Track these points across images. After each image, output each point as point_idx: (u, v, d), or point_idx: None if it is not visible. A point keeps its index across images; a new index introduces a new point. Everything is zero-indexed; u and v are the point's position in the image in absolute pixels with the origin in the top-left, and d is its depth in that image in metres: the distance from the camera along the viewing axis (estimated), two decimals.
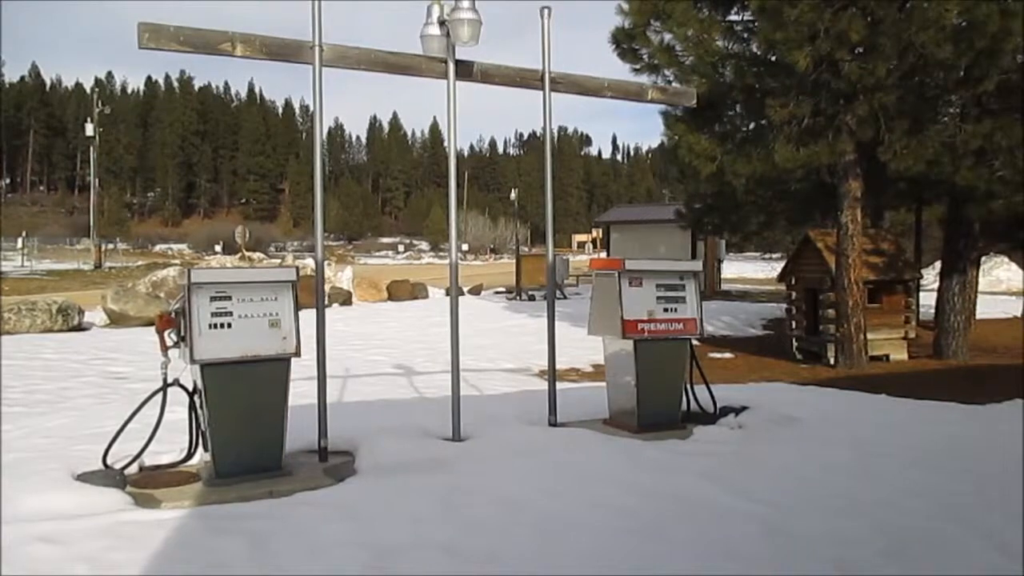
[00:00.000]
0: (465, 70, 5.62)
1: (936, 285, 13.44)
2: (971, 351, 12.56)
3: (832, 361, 11.94)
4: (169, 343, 4.53)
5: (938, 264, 15.71)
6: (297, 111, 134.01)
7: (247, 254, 39.73)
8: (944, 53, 9.82)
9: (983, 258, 15.95)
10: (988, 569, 3.32)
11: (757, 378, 10.34)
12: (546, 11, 5.84)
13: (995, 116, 10.48)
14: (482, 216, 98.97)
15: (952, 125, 10.85)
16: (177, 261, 53.77)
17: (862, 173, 11.55)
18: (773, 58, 11.32)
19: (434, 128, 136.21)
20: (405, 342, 14.02)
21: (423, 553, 3.38)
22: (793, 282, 13.52)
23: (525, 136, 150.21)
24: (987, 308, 17.59)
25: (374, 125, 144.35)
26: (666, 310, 5.91)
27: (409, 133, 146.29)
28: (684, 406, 6.09)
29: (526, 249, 59.26)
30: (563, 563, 3.31)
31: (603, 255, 30.91)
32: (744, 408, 6.23)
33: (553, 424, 5.80)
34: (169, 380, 4.57)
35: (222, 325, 4.45)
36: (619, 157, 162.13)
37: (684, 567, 3.28)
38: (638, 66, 12.54)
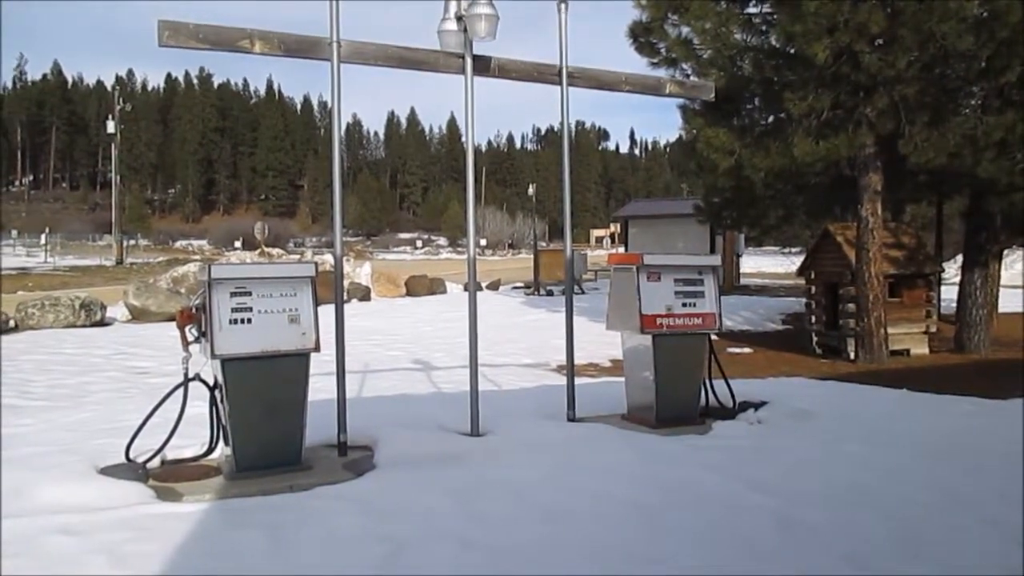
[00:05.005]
0: (482, 65, 5.61)
1: (957, 279, 13.33)
2: (993, 345, 12.45)
3: (852, 356, 11.88)
4: (190, 338, 4.56)
5: (959, 258, 15.57)
6: (315, 108, 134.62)
7: (266, 250, 39.95)
8: (965, 44, 9.73)
9: (1005, 251, 15.77)
10: (1003, 564, 3.30)
11: (776, 373, 10.30)
12: (563, 6, 5.82)
13: (1017, 107, 10.37)
14: (500, 211, 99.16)
15: (973, 117, 10.74)
16: (197, 257, 54.16)
17: (882, 166, 11.47)
18: (792, 51, 11.25)
19: (451, 123, 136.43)
20: (423, 337, 14.06)
21: (440, 546, 3.40)
22: (812, 276, 13.45)
23: (542, 131, 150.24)
24: (1009, 302, 17.39)
25: (392, 121, 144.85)
26: (684, 305, 5.88)
27: (427, 129, 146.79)
28: (703, 401, 6.08)
29: (544, 244, 59.21)
30: (579, 557, 3.32)
31: (621, 250, 30.82)
32: (763, 403, 6.21)
33: (571, 419, 5.80)
34: (190, 375, 4.61)
35: (242, 320, 4.47)
36: (637, 151, 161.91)
37: (699, 560, 3.28)
38: (656, 60, 12.51)
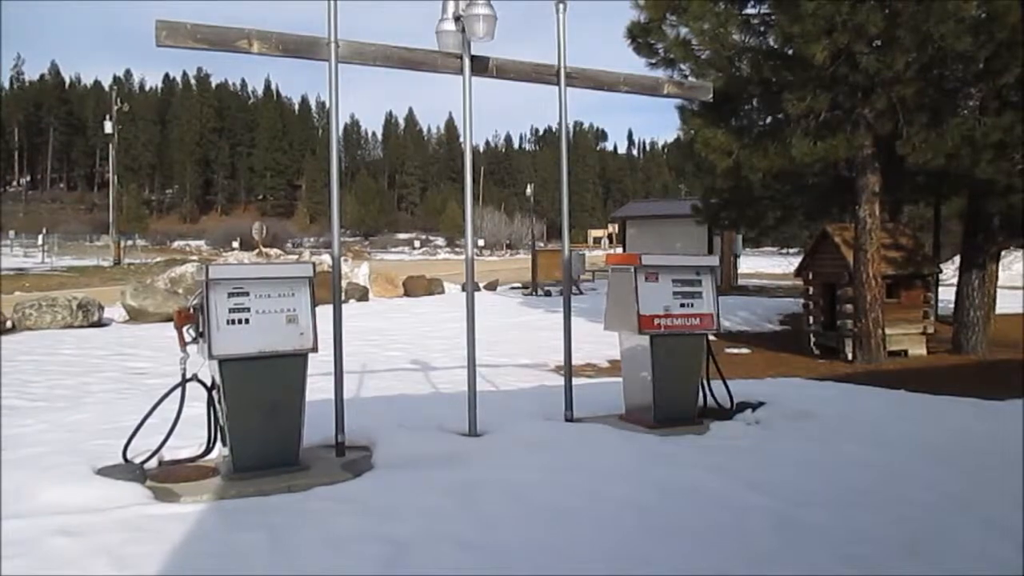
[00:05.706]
0: (480, 65, 5.61)
1: (955, 280, 13.34)
2: (990, 346, 12.46)
3: (850, 356, 11.88)
4: (188, 339, 4.55)
5: (957, 259, 15.57)
6: (313, 108, 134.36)
7: (264, 250, 39.94)
8: (963, 45, 9.74)
9: (1003, 253, 15.79)
10: (1003, 564, 3.30)
11: (774, 373, 10.30)
12: (561, 6, 5.83)
13: (1015, 109, 10.38)
14: (498, 212, 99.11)
15: (972, 118, 10.75)
16: (195, 257, 54.13)
17: (880, 167, 11.47)
18: (790, 52, 11.26)
19: (450, 124, 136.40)
20: (421, 337, 14.05)
21: (439, 547, 3.40)
22: (810, 277, 13.45)
23: (540, 131, 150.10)
24: (1007, 303, 17.42)
25: (390, 121, 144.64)
26: (683, 305, 5.88)
27: (425, 129, 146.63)
28: (700, 401, 6.08)
29: (542, 244, 59.22)
30: (578, 557, 3.32)
31: (619, 250, 30.81)
32: (761, 403, 6.21)
33: (569, 419, 5.80)
34: (188, 375, 4.59)
35: (240, 321, 4.47)
36: (635, 152, 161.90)
37: (696, 560, 3.28)
38: (654, 60, 12.50)
